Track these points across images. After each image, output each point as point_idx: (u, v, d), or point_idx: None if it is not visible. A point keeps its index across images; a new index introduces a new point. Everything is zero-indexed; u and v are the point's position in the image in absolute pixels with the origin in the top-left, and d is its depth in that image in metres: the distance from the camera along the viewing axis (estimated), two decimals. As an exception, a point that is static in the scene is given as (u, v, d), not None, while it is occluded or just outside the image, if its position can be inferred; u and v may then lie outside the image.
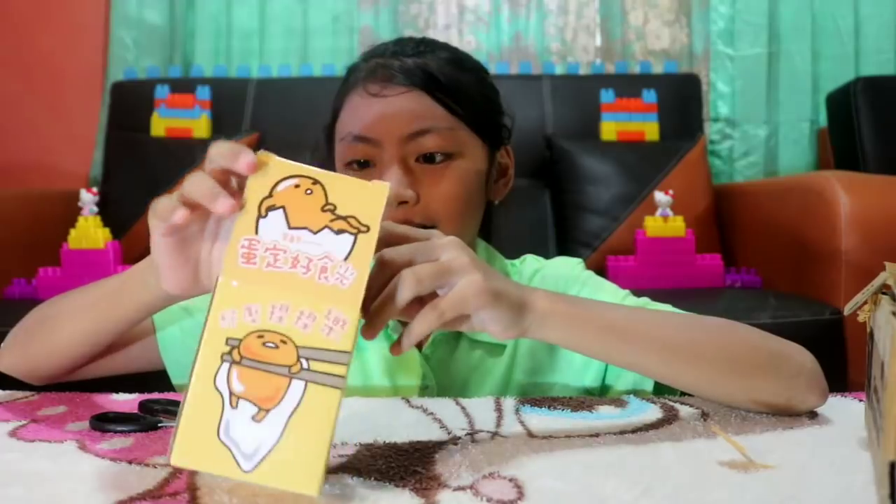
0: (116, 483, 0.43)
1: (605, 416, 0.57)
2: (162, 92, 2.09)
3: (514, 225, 1.65)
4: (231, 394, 0.37)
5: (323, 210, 0.40)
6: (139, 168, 1.98)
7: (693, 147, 1.99)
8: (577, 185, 1.96)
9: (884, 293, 0.46)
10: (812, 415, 0.57)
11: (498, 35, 2.35)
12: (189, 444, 0.37)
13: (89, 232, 1.66)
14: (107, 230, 1.68)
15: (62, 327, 0.63)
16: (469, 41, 2.36)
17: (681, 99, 2.12)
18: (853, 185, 1.46)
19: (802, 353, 0.59)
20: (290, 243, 0.39)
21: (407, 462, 0.47)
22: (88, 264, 1.63)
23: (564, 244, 1.94)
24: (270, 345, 0.38)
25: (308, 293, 0.38)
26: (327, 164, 0.75)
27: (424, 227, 0.66)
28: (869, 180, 1.53)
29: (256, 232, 0.39)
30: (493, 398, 0.62)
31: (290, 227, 0.39)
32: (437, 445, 0.50)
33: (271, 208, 0.40)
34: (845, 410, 0.59)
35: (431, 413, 0.58)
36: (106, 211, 1.79)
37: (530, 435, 0.52)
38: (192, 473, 0.44)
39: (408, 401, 0.61)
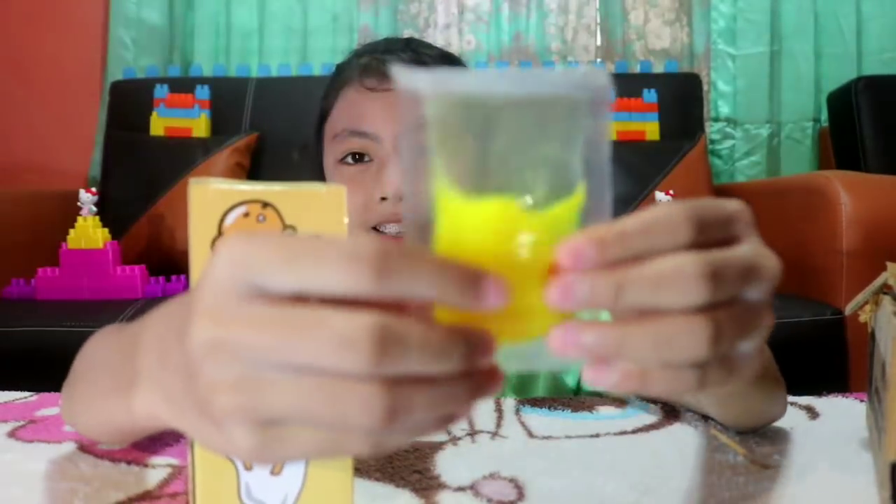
0: (116, 483, 0.43)
1: (605, 416, 0.57)
2: (161, 91, 2.09)
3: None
4: None
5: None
6: (138, 168, 1.98)
7: (694, 147, 1.99)
8: (578, 184, 1.96)
9: (885, 293, 0.46)
10: (813, 415, 0.57)
11: (498, 34, 2.35)
12: None
13: (88, 232, 1.65)
14: (106, 230, 1.68)
15: (83, 416, 0.45)
16: (469, 41, 2.36)
17: (682, 98, 2.12)
18: (854, 185, 1.46)
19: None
20: None
21: (407, 462, 0.46)
22: (87, 264, 1.63)
23: (565, 244, 1.94)
24: None
25: None
26: (317, 165, 0.75)
27: None
28: (870, 180, 1.53)
29: None
30: (493, 398, 0.62)
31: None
32: (437, 445, 0.50)
33: None
34: (846, 411, 0.59)
35: (431, 413, 0.57)
36: (105, 211, 1.79)
37: (530, 435, 0.52)
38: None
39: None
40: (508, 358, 0.25)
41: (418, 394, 0.22)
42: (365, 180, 0.66)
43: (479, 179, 0.26)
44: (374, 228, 0.67)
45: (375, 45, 0.72)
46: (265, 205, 0.35)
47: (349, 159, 0.68)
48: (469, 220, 0.26)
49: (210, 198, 0.34)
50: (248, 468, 0.35)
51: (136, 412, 0.33)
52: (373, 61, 0.68)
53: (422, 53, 0.69)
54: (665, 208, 0.25)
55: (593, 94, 0.26)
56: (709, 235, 0.25)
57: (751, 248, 0.26)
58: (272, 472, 0.35)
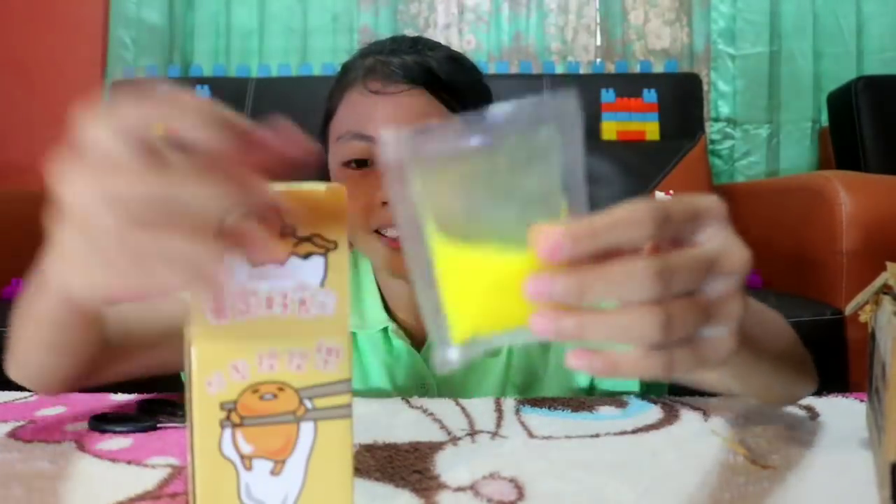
0: (115, 483, 0.43)
1: (605, 416, 0.57)
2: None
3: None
4: (242, 457, 0.35)
5: (282, 235, 0.35)
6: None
7: (694, 147, 1.99)
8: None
9: (885, 293, 0.46)
10: (813, 415, 0.57)
11: (498, 34, 2.35)
12: None
13: (89, 232, 1.65)
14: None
15: (22, 344, 0.53)
16: (469, 41, 2.36)
17: (681, 98, 2.12)
18: (854, 184, 1.46)
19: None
20: (257, 283, 0.35)
21: (407, 462, 0.46)
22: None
23: (565, 244, 1.94)
24: (268, 396, 0.35)
25: (292, 332, 0.35)
26: (322, 164, 0.74)
27: None
28: (870, 180, 1.53)
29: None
30: (493, 398, 0.61)
31: (252, 266, 0.35)
32: (437, 445, 0.50)
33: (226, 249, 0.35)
34: (846, 411, 0.59)
35: (431, 413, 0.57)
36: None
37: (530, 435, 0.52)
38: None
39: (408, 401, 0.61)
40: (516, 336, 0.31)
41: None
42: (367, 184, 0.66)
43: (468, 227, 0.30)
44: (377, 231, 0.66)
45: (381, 46, 0.71)
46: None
47: (353, 165, 0.68)
48: (465, 267, 0.30)
49: None
50: (248, 467, 0.35)
51: (51, 291, 0.40)
52: (377, 63, 0.68)
53: (427, 56, 0.68)
54: (632, 207, 0.28)
55: (563, 122, 0.29)
56: (674, 231, 0.29)
57: (716, 243, 0.30)
58: (272, 473, 0.35)
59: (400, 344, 0.71)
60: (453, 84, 0.68)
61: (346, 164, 0.68)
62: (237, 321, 0.35)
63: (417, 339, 0.71)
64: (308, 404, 0.35)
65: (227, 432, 0.35)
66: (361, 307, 0.72)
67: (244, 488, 0.35)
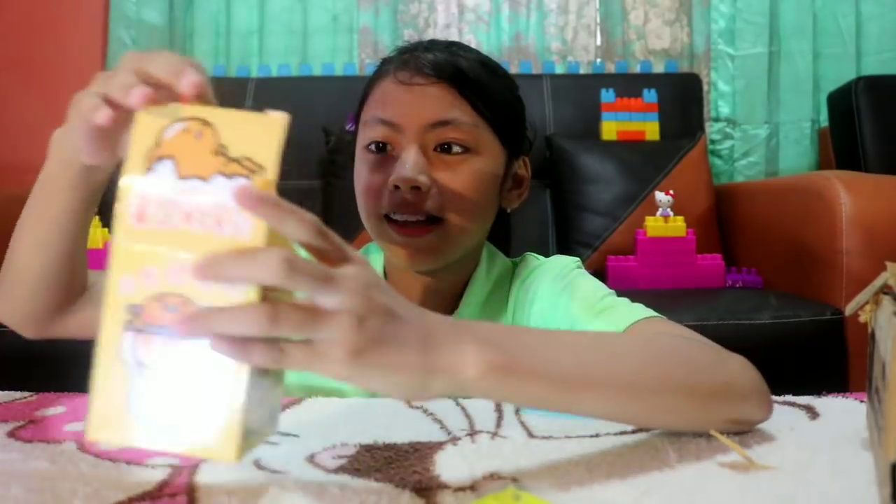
0: (116, 483, 0.43)
1: (606, 416, 0.57)
2: (162, 91, 2.08)
3: (514, 225, 1.65)
4: (138, 363, 0.36)
5: (215, 154, 0.36)
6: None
7: (694, 147, 1.99)
8: (578, 185, 1.96)
9: (885, 293, 0.46)
10: (813, 415, 0.57)
11: (498, 34, 2.35)
12: (103, 420, 0.36)
13: (89, 232, 1.65)
14: (105, 230, 1.68)
15: (17, 254, 0.61)
16: (469, 41, 2.36)
17: (681, 99, 2.12)
18: (854, 184, 1.46)
19: (747, 366, 0.54)
20: (181, 196, 0.36)
21: (407, 462, 0.46)
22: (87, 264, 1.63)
23: (564, 244, 1.94)
24: (173, 308, 0.35)
25: (205, 248, 0.35)
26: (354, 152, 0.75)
27: (433, 217, 0.66)
28: (870, 180, 1.53)
29: (146, 187, 0.36)
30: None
31: (180, 178, 0.36)
32: (437, 445, 0.50)
33: (160, 159, 0.37)
34: (846, 411, 0.59)
35: (431, 413, 0.57)
36: (105, 211, 1.78)
37: (530, 435, 0.52)
38: (191, 474, 0.44)
39: (408, 401, 0.61)
40: None
41: None
42: (384, 168, 0.68)
43: None
44: (387, 217, 0.68)
45: (419, 44, 0.74)
46: (205, 123, 0.37)
47: (372, 147, 0.69)
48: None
49: (155, 113, 0.38)
50: (142, 375, 0.36)
51: (57, 162, 0.53)
52: (410, 57, 0.70)
53: (458, 56, 0.70)
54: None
55: None
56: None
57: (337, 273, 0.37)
58: (164, 386, 0.36)
59: None
60: (480, 84, 0.69)
61: (367, 147, 0.70)
62: (156, 229, 0.36)
63: None
64: None
65: (129, 336, 0.36)
66: None
67: (135, 395, 0.36)
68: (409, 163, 0.66)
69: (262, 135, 0.37)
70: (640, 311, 0.64)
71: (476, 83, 0.69)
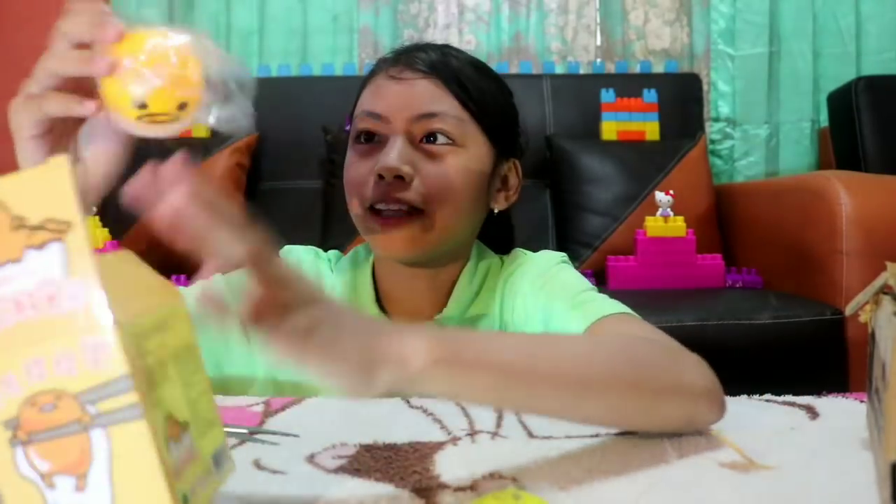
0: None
1: (606, 416, 0.57)
2: (162, 91, 2.08)
3: (514, 225, 1.66)
4: (42, 475, 0.33)
5: (16, 230, 0.32)
6: (138, 168, 1.97)
7: (694, 147, 1.99)
8: (578, 185, 1.96)
9: (885, 293, 0.46)
10: (813, 415, 0.57)
11: (498, 35, 2.35)
12: None
13: (89, 232, 1.65)
14: (105, 230, 1.68)
15: None
16: (469, 41, 2.36)
17: (681, 99, 2.12)
18: (854, 185, 1.46)
19: (700, 366, 0.54)
20: (2, 289, 0.32)
21: (407, 462, 0.47)
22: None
23: (564, 244, 1.94)
24: (48, 407, 0.32)
25: (49, 334, 0.32)
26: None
27: (416, 208, 0.67)
28: (870, 180, 1.53)
29: None
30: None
31: None
32: (437, 445, 0.50)
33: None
34: (846, 411, 0.59)
35: (431, 413, 0.58)
36: (104, 211, 1.79)
37: (530, 435, 0.52)
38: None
39: (408, 401, 0.61)
40: None
41: None
42: (370, 159, 0.69)
43: None
44: (373, 210, 0.68)
45: (412, 46, 0.75)
46: None
47: (361, 138, 0.71)
48: None
49: None
50: (51, 485, 0.33)
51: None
52: (402, 55, 0.72)
53: (450, 55, 0.72)
54: None
55: None
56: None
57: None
58: (77, 489, 0.33)
59: None
60: (469, 80, 0.71)
61: (356, 139, 0.71)
62: None
63: None
64: (91, 410, 0.32)
65: (20, 451, 0.33)
66: (355, 301, 0.74)
67: None
68: (394, 152, 0.66)
69: (52, 187, 0.32)
70: (614, 306, 0.65)
71: (464, 79, 0.70)
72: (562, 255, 0.77)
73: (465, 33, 2.37)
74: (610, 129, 2.05)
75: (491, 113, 0.72)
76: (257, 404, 0.61)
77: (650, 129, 2.05)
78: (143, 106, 0.44)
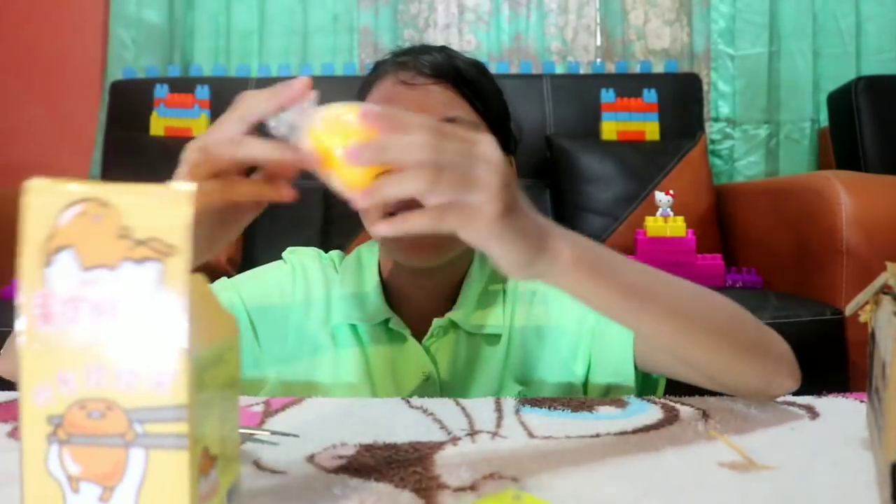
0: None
1: (606, 416, 0.57)
2: (161, 91, 2.09)
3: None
4: (69, 477, 0.33)
5: (119, 238, 0.32)
6: (138, 168, 1.98)
7: (694, 147, 1.99)
8: (577, 185, 1.96)
9: (885, 293, 0.46)
10: (813, 415, 0.57)
11: (498, 34, 2.35)
12: None
13: (89, 231, 1.65)
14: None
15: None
16: (469, 41, 2.36)
17: (681, 98, 2.12)
18: (854, 184, 1.46)
19: (782, 341, 0.59)
20: (88, 289, 0.32)
21: (407, 462, 0.46)
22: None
23: (565, 244, 1.94)
24: (95, 414, 0.32)
25: (120, 346, 0.32)
26: None
27: None
28: (870, 180, 1.53)
29: (46, 284, 0.32)
30: (493, 399, 0.62)
31: (83, 269, 0.32)
32: (437, 445, 0.50)
33: (58, 249, 0.33)
34: (846, 411, 0.59)
35: (431, 413, 0.58)
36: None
37: (530, 435, 0.52)
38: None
39: (408, 401, 0.61)
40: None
41: None
42: None
43: None
44: (390, 214, 0.67)
45: (413, 49, 0.75)
46: (103, 203, 0.33)
47: None
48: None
49: (45, 196, 0.33)
50: (75, 489, 0.33)
51: None
52: (410, 59, 0.71)
53: (454, 57, 0.72)
54: (414, 127, 0.41)
55: None
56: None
57: (478, 140, 0.42)
58: (100, 499, 0.33)
59: (401, 336, 0.72)
60: (478, 84, 0.71)
61: None
62: (66, 329, 0.32)
63: (419, 331, 0.72)
64: (138, 428, 0.32)
65: (54, 449, 0.32)
66: (363, 300, 0.73)
67: None
68: None
69: (168, 211, 0.33)
70: None
71: (473, 83, 0.71)
72: None
73: (465, 33, 2.37)
74: (610, 129, 2.05)
75: (495, 113, 0.73)
76: (257, 404, 0.61)
77: (650, 129, 2.05)
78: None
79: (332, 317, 0.73)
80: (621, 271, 0.51)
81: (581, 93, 2.12)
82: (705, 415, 0.57)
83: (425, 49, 0.74)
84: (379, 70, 0.74)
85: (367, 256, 0.77)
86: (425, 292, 0.74)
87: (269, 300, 0.74)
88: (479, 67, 0.74)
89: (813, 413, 0.58)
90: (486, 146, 0.42)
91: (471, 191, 0.41)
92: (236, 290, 0.74)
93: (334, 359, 0.72)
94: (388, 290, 0.74)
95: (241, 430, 0.53)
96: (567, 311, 0.72)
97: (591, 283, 0.49)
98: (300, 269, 0.76)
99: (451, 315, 0.72)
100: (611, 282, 0.49)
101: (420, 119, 0.41)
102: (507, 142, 0.76)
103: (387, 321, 0.72)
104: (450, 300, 0.74)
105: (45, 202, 0.33)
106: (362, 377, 0.71)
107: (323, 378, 0.72)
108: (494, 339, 0.73)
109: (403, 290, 0.74)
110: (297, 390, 0.71)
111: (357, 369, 0.72)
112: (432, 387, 0.70)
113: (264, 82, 2.19)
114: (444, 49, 0.74)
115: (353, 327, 0.73)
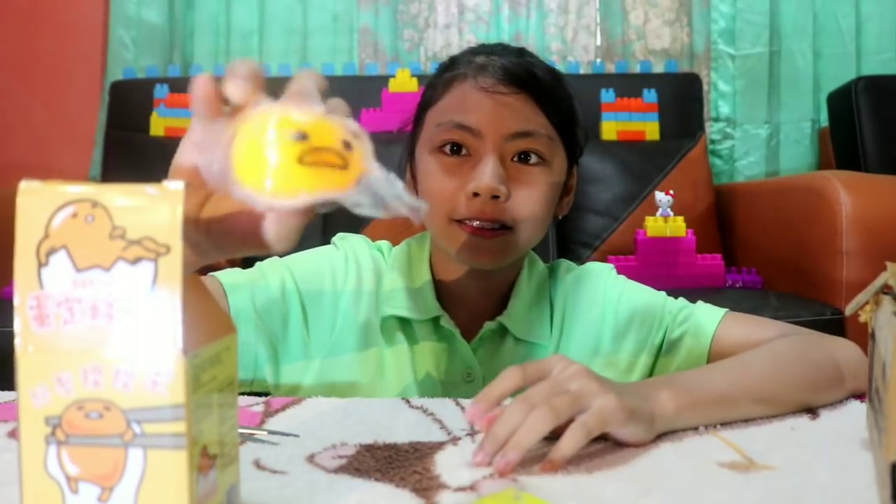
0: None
1: (606, 416, 0.57)
2: (161, 91, 2.08)
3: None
4: (68, 478, 0.33)
5: (111, 238, 0.33)
6: (138, 168, 1.97)
7: (694, 147, 1.99)
8: (578, 185, 1.96)
9: (885, 293, 0.46)
10: (813, 415, 0.57)
11: (498, 34, 2.35)
12: None
13: (89, 231, 1.65)
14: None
15: None
16: (469, 40, 2.36)
17: (681, 98, 2.11)
18: (854, 184, 1.46)
19: (848, 347, 0.65)
20: (82, 290, 0.32)
21: (407, 462, 0.47)
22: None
23: (564, 244, 1.94)
24: (94, 415, 0.32)
25: (117, 346, 0.32)
26: (408, 148, 0.76)
27: (506, 226, 0.67)
28: (870, 180, 1.53)
29: (41, 285, 0.33)
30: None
31: (77, 270, 0.33)
32: (437, 445, 0.50)
33: (51, 251, 0.33)
34: (846, 411, 0.59)
35: (431, 413, 0.58)
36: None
37: (530, 435, 0.52)
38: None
39: (408, 401, 0.61)
40: None
41: None
42: (460, 172, 0.68)
43: None
44: (459, 221, 0.68)
45: (491, 48, 0.74)
46: (94, 204, 0.33)
47: (447, 149, 0.69)
48: None
49: (37, 198, 0.33)
50: (74, 490, 0.33)
51: None
52: (490, 63, 0.70)
53: (534, 64, 0.72)
54: (506, 377, 0.51)
55: None
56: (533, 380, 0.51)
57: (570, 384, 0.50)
58: (99, 500, 0.33)
59: (451, 334, 0.72)
60: (556, 96, 0.71)
61: (440, 149, 0.70)
62: (61, 330, 0.32)
63: (467, 331, 0.73)
64: (136, 428, 0.32)
65: (53, 449, 0.33)
66: (415, 295, 0.73)
67: None
68: (491, 172, 0.66)
69: (160, 210, 0.33)
70: (713, 312, 0.75)
71: (552, 95, 0.71)
72: (611, 266, 0.80)
73: (465, 33, 2.37)
74: (610, 129, 2.05)
75: (569, 125, 0.73)
76: (257, 404, 0.61)
77: (650, 129, 2.05)
78: (303, 137, 0.35)
79: (382, 308, 0.72)
80: (713, 389, 0.56)
81: (581, 93, 2.09)
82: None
83: (505, 49, 0.73)
84: (457, 68, 0.72)
85: (417, 251, 0.76)
86: (477, 293, 0.74)
87: (322, 285, 0.73)
88: (555, 74, 0.74)
89: (813, 413, 0.58)
90: (592, 399, 0.48)
91: (586, 401, 0.48)
92: (289, 270, 0.72)
93: (381, 351, 0.72)
94: (439, 287, 0.74)
95: (241, 430, 0.53)
96: (627, 335, 0.76)
97: (695, 412, 0.54)
98: (353, 257, 0.75)
99: (501, 319, 0.72)
100: (709, 404, 0.55)
101: (535, 396, 0.48)
102: (574, 150, 0.75)
103: (437, 318, 0.72)
104: (498, 304, 0.74)
105: (38, 204, 0.33)
106: (409, 371, 0.72)
107: (368, 369, 0.72)
108: (540, 348, 0.74)
109: (455, 290, 0.74)
110: (339, 389, 0.70)
111: (404, 363, 0.72)
112: (476, 388, 0.70)
113: (264, 82, 2.19)
114: (523, 53, 0.74)
115: (404, 321, 0.72)
